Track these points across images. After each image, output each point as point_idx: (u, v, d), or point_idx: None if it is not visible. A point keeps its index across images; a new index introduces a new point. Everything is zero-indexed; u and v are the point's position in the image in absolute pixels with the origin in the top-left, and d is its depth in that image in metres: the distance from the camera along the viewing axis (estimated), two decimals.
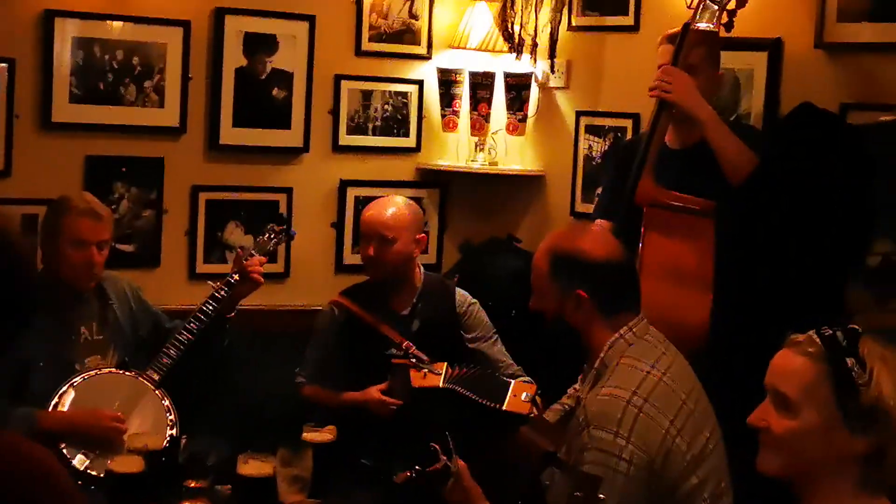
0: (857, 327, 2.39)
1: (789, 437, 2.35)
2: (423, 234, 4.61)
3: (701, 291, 3.73)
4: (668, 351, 3.08)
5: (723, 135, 3.87)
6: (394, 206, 4.55)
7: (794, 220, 3.76)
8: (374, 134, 5.53)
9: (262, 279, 4.47)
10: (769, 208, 3.80)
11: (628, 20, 5.07)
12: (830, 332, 2.37)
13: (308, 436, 3.61)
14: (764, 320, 3.71)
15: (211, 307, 4.38)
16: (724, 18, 3.88)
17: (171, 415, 4.15)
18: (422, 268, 4.66)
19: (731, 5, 3.86)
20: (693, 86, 3.91)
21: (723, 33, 3.95)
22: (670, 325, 3.22)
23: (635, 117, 5.01)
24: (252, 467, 3.33)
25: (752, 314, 3.79)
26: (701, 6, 3.88)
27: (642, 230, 3.82)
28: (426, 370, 4.35)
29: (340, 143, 5.45)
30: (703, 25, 3.88)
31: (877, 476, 2.33)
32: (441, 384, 4.31)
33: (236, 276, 4.46)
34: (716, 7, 3.85)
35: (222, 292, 4.41)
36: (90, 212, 4.22)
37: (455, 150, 5.65)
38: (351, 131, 5.47)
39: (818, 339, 2.37)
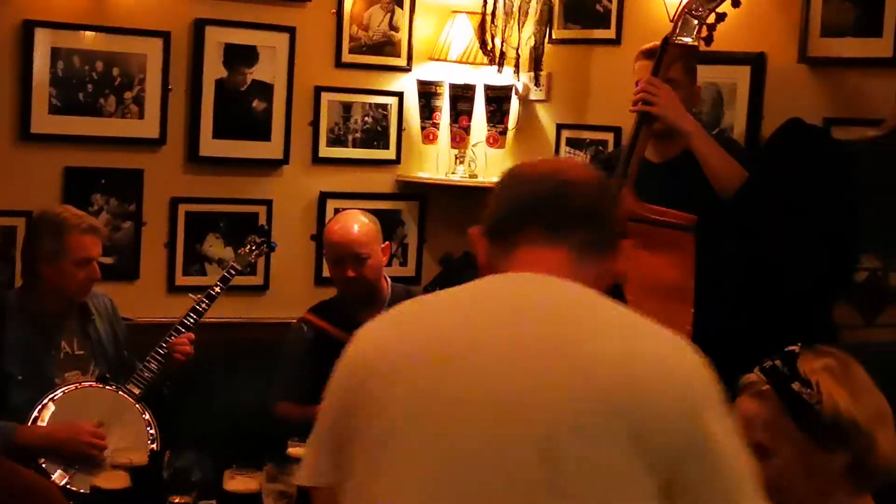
0: (794, 349, 2.39)
1: (776, 478, 2.34)
2: (386, 243, 4.58)
3: (682, 305, 3.72)
4: None
5: (709, 146, 3.88)
6: (358, 222, 4.47)
7: (782, 236, 3.76)
8: (353, 146, 5.51)
9: (184, 358, 4.30)
10: (757, 223, 3.80)
11: (610, 33, 5.08)
12: (770, 362, 2.37)
13: (293, 451, 3.59)
14: (747, 336, 3.71)
15: (192, 319, 4.35)
16: (704, 32, 3.88)
17: (151, 429, 4.12)
18: (388, 279, 4.63)
19: (711, 19, 3.86)
20: (676, 98, 3.92)
21: (703, 47, 3.95)
22: None
23: (617, 130, 5.01)
24: (238, 483, 3.30)
25: (735, 329, 3.80)
26: (681, 21, 3.88)
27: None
28: None
29: (320, 154, 5.43)
30: (683, 39, 3.88)
31: (862, 480, 2.34)
32: None
33: (217, 289, 4.44)
34: (695, 21, 3.86)
35: (203, 304, 4.39)
36: (92, 228, 4.19)
37: (435, 163, 5.64)
38: (331, 143, 5.46)
39: (762, 375, 2.37)
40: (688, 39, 3.87)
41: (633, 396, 1.83)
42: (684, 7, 3.88)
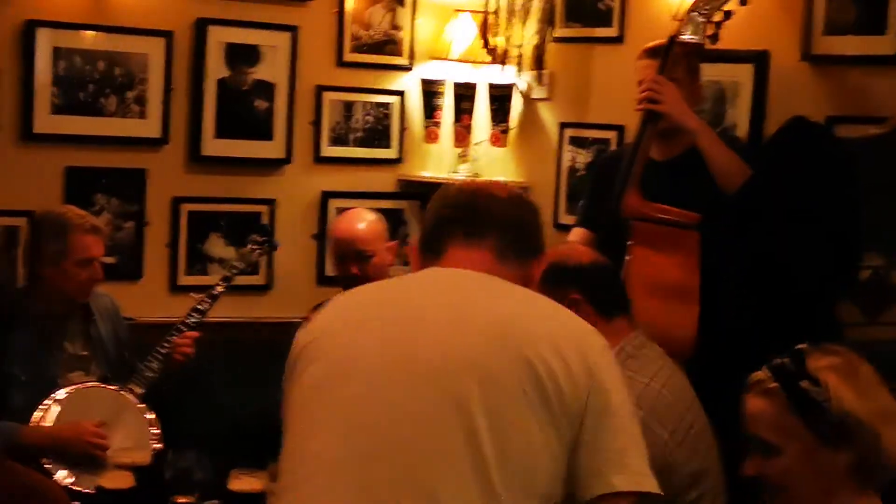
0: (802, 347, 2.41)
1: (782, 476, 2.38)
2: (392, 242, 4.58)
3: (688, 304, 3.72)
4: (667, 364, 3.07)
5: (714, 144, 3.87)
6: (363, 220, 4.48)
7: (786, 234, 3.76)
8: (355, 145, 5.50)
9: (184, 359, 4.32)
10: (760, 221, 3.80)
11: (612, 31, 5.06)
12: (779, 361, 2.40)
13: None
14: (751, 335, 3.71)
15: (194, 319, 4.36)
16: (711, 30, 3.88)
17: (154, 429, 4.11)
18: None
19: (718, 17, 3.86)
20: (681, 96, 3.91)
21: (709, 45, 3.94)
22: (658, 338, 3.22)
23: (620, 129, 4.99)
24: (243, 483, 3.31)
25: (739, 327, 3.80)
26: (687, 18, 3.87)
27: (629, 244, 3.82)
28: None
29: (322, 154, 5.43)
30: (688, 38, 3.87)
31: (868, 478, 2.35)
32: None
33: (219, 288, 4.44)
34: (702, 19, 3.85)
35: (205, 304, 4.39)
36: (93, 228, 4.19)
37: (437, 162, 5.63)
38: (333, 142, 5.45)
39: (771, 373, 2.39)
40: (694, 38, 3.86)
41: (535, 353, 2.08)
42: (691, 5, 3.87)
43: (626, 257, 3.77)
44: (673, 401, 2.97)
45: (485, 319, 2.16)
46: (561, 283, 3.04)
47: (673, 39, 3.89)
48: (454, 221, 2.35)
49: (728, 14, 3.87)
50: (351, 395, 2.12)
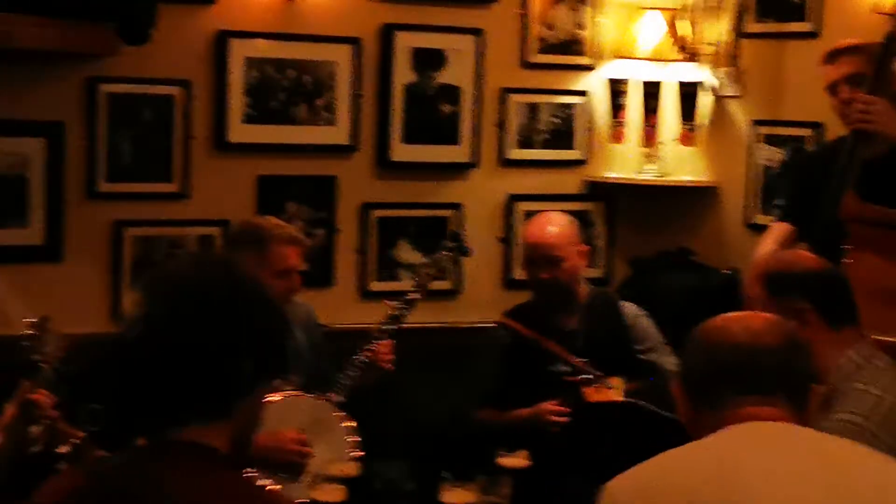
0: None
1: None
2: (584, 247, 4.53)
3: None
4: None
5: None
6: (555, 224, 4.45)
7: None
8: (540, 147, 5.45)
9: (391, 366, 4.30)
10: None
11: (807, 26, 4.93)
12: None
13: (504, 461, 3.56)
14: None
15: (390, 326, 4.34)
16: None
17: (354, 437, 4.11)
18: (586, 283, 4.58)
19: None
20: (892, 110, 3.79)
21: None
22: (881, 348, 3.10)
23: (816, 126, 4.85)
24: (456, 495, 3.28)
25: None
26: None
27: (846, 247, 3.70)
28: (600, 385, 4.27)
29: (508, 157, 5.38)
30: None
31: None
32: (618, 398, 4.24)
33: (414, 294, 4.41)
34: None
35: (401, 311, 4.36)
36: (294, 239, 4.20)
37: (623, 162, 5.54)
38: (518, 145, 5.40)
39: None
40: None
41: None
42: None
43: (845, 261, 3.65)
44: None
45: (857, 478, 2.10)
46: (786, 291, 2.95)
47: (892, 38, 3.76)
48: (734, 373, 2.24)
49: None
50: None
